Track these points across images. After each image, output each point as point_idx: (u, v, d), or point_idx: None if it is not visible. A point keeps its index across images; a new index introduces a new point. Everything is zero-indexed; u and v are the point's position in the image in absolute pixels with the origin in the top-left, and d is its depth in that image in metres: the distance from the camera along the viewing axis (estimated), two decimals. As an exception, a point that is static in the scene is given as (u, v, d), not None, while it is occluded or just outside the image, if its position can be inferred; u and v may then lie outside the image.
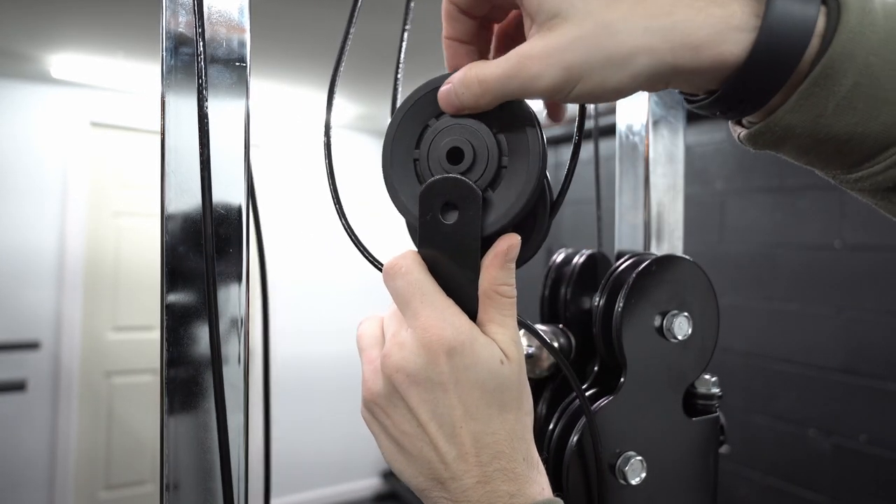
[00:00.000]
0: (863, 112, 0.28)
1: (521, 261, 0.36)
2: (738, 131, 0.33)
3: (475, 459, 0.33)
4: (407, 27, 0.45)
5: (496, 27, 0.38)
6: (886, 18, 0.28)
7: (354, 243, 0.41)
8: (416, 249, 0.36)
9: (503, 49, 0.37)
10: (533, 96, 0.32)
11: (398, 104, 0.36)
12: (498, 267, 0.34)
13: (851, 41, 0.28)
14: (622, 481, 0.44)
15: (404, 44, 0.45)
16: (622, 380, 0.46)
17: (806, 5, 0.28)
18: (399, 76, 0.45)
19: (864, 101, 0.28)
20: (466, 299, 0.35)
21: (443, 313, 0.33)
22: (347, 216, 0.42)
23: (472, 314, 0.35)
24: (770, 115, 0.30)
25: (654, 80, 0.31)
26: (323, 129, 0.43)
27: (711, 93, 0.31)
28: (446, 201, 0.34)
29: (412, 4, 0.45)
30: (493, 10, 0.36)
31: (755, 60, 0.29)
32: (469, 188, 0.33)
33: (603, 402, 0.45)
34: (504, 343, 0.34)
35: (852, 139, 0.29)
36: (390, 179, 0.35)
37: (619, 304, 0.46)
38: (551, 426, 0.47)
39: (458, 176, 0.34)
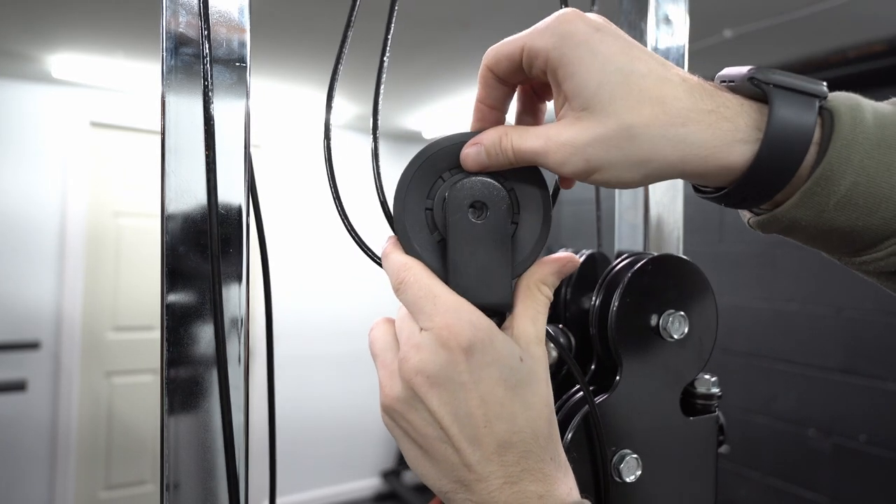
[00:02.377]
0: (863, 208, 0.31)
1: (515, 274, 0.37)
2: (748, 216, 0.36)
3: (499, 460, 0.32)
4: (391, 28, 0.45)
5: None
6: (877, 126, 0.31)
7: (359, 245, 0.42)
8: (409, 256, 0.36)
9: (526, 101, 0.39)
10: (556, 174, 0.35)
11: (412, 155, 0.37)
12: (550, 271, 0.36)
13: (846, 147, 0.31)
14: (617, 479, 0.45)
15: (388, 45, 0.45)
16: (617, 378, 0.46)
17: (803, 116, 0.31)
18: (382, 77, 0.44)
19: (863, 197, 0.31)
20: (496, 293, 0.35)
21: (458, 311, 0.33)
22: (350, 220, 0.42)
23: (502, 308, 0.35)
24: (776, 207, 0.33)
25: (664, 178, 0.34)
26: (323, 134, 0.43)
27: (718, 188, 0.34)
28: (474, 201, 0.35)
29: (396, 6, 0.45)
30: (527, 78, 0.37)
31: (757, 168, 0.32)
32: (497, 187, 0.35)
33: (598, 399, 0.46)
34: (531, 339, 0.35)
35: (854, 231, 0.32)
36: (402, 226, 0.36)
37: (615, 302, 0.46)
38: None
39: (485, 178, 0.35)
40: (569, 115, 0.33)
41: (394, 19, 0.44)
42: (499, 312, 0.36)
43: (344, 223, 0.42)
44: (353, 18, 0.43)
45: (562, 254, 0.37)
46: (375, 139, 0.44)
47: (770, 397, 2.25)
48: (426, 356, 0.33)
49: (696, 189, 0.37)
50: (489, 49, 0.36)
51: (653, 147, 0.32)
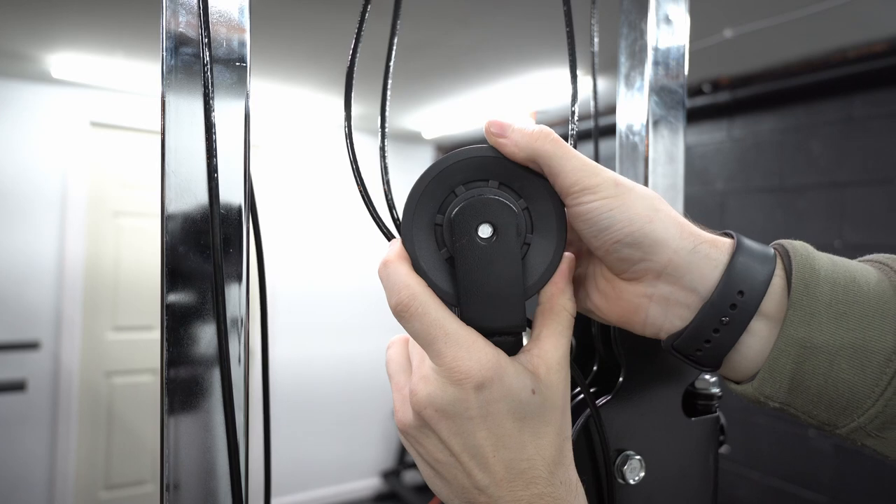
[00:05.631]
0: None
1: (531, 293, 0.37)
2: (734, 387, 0.39)
3: (509, 486, 0.33)
4: (397, 29, 0.45)
5: None
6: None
7: (375, 221, 0.41)
8: (416, 275, 0.35)
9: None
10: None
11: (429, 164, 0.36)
12: (562, 284, 0.36)
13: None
14: (621, 480, 0.45)
15: (394, 49, 0.45)
16: (620, 379, 0.46)
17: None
18: (389, 80, 0.44)
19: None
20: (508, 317, 0.34)
21: (469, 350, 0.33)
22: (370, 195, 0.41)
23: (515, 329, 0.35)
24: (746, 384, 0.37)
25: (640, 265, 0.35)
26: (343, 106, 0.43)
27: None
28: (483, 222, 0.34)
29: (400, 8, 0.45)
30: None
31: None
32: (506, 207, 0.34)
33: (601, 401, 0.46)
34: (552, 365, 0.34)
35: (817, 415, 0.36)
36: (410, 241, 0.35)
37: (619, 303, 0.46)
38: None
39: (492, 196, 0.34)
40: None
41: (399, 23, 0.44)
42: (513, 332, 0.35)
43: (362, 195, 0.41)
44: (364, 18, 0.43)
45: (564, 261, 0.36)
46: (383, 140, 0.44)
47: (770, 397, 2.25)
48: (434, 391, 0.33)
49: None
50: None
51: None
